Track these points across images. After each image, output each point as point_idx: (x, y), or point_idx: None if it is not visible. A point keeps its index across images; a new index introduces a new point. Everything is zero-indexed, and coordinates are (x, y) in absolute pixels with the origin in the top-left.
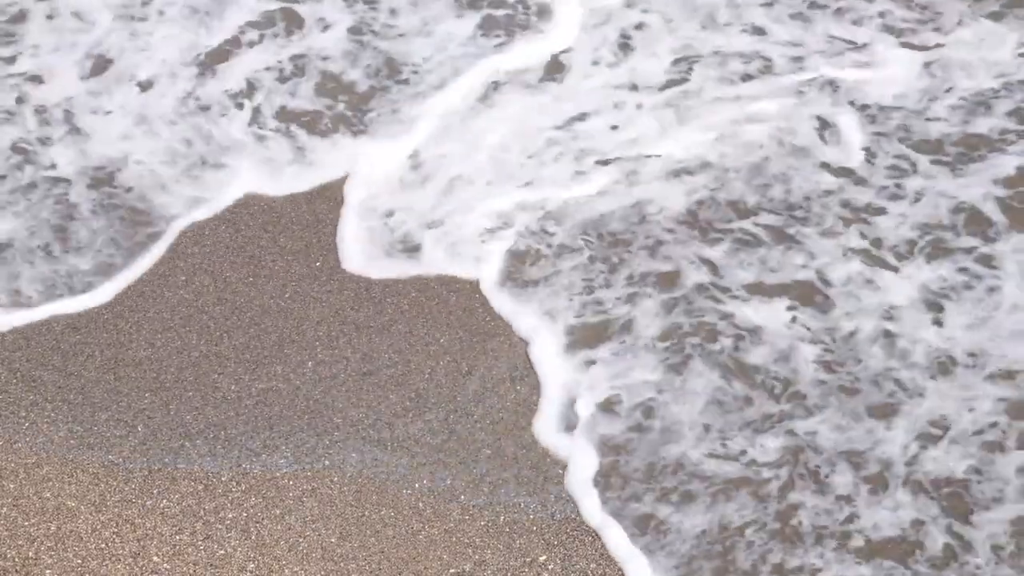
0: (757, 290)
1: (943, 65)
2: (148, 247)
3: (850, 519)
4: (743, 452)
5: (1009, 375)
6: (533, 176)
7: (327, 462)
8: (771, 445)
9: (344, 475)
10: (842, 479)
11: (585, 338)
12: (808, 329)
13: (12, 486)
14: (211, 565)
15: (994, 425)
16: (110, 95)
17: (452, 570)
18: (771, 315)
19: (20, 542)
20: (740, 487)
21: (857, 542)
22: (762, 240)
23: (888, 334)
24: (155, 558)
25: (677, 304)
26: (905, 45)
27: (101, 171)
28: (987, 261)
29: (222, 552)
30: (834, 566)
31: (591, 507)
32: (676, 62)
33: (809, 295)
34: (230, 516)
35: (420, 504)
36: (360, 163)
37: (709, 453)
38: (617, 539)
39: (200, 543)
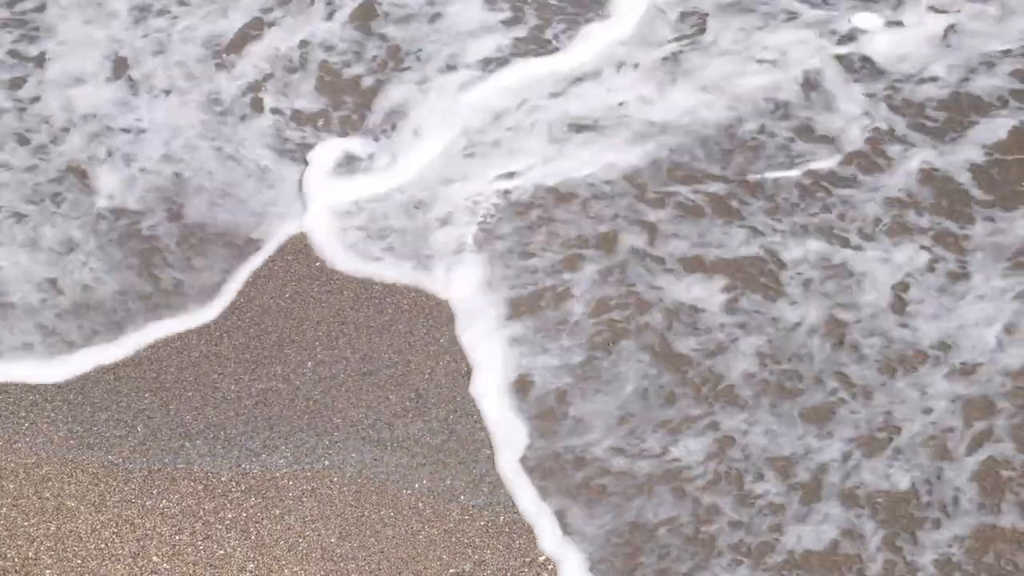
0: (698, 266)
1: (960, 29)
2: (233, 275)
3: (772, 530)
4: (663, 451)
5: (969, 371)
6: (509, 149)
7: (327, 462)
8: (693, 446)
9: (344, 475)
10: (768, 487)
11: (517, 311)
12: (749, 316)
13: (12, 486)
14: (211, 565)
15: (950, 430)
16: (135, 105)
17: (452, 570)
18: (710, 296)
19: (20, 542)
20: (653, 490)
21: (778, 556)
22: (711, 210)
23: (838, 324)
24: (155, 558)
25: (612, 273)
26: (930, 7)
27: (169, 201)
28: (958, 243)
29: (222, 552)
30: None
31: (525, 497)
32: (683, 17)
33: (755, 276)
34: (230, 516)
35: (420, 504)
36: (324, 154)
37: (624, 450)
38: (550, 533)
39: (200, 543)
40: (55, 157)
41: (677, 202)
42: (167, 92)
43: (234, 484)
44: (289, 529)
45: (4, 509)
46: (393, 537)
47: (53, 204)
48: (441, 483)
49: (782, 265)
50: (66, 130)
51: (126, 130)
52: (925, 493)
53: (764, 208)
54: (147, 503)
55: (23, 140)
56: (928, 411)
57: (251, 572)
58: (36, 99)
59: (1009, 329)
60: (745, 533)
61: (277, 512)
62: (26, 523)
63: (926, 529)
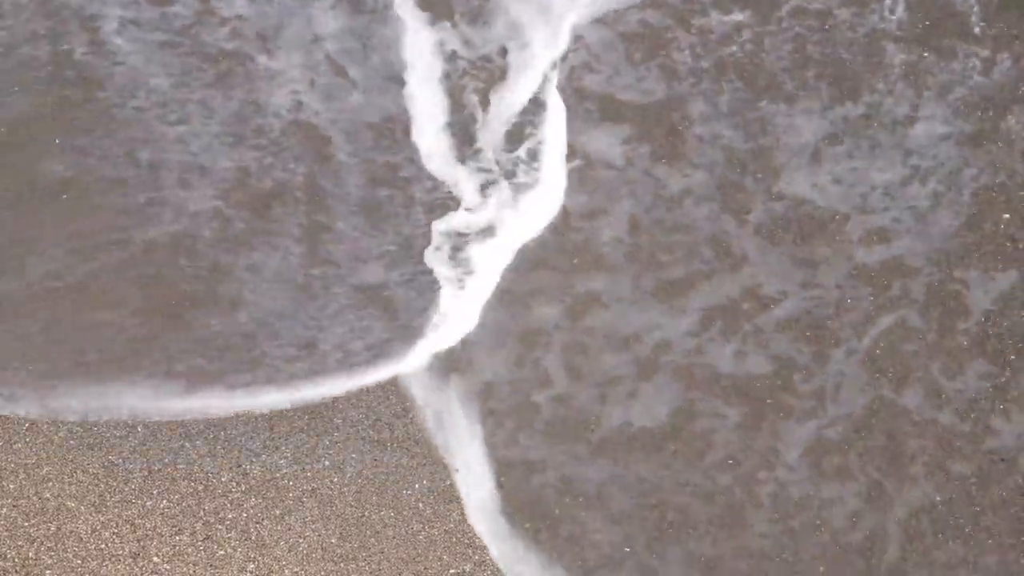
0: (614, 113)
1: None
2: None
3: (598, 403)
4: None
5: (883, 237)
6: None
7: (327, 462)
8: (547, 313)
9: (344, 475)
10: (610, 359)
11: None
12: (641, 175)
13: (12, 486)
14: (211, 565)
15: (845, 305)
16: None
17: (452, 570)
18: (610, 147)
19: (20, 542)
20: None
21: (601, 432)
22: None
23: (729, 187)
24: (155, 558)
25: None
26: None
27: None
28: (918, 82)
29: (222, 552)
30: (567, 462)
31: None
32: None
33: (654, 130)
34: (230, 516)
35: (420, 504)
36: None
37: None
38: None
39: (200, 543)
40: (358, 107)
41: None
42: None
43: (234, 484)
44: (289, 529)
45: (4, 509)
46: (393, 537)
47: (405, 184)
48: (441, 483)
49: (687, 121)
50: (335, 69)
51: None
52: (801, 380)
53: (694, 45)
54: (147, 503)
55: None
56: (812, 285)
57: (251, 572)
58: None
59: (948, 184)
60: (566, 408)
61: (277, 512)
62: (26, 523)
63: (794, 420)
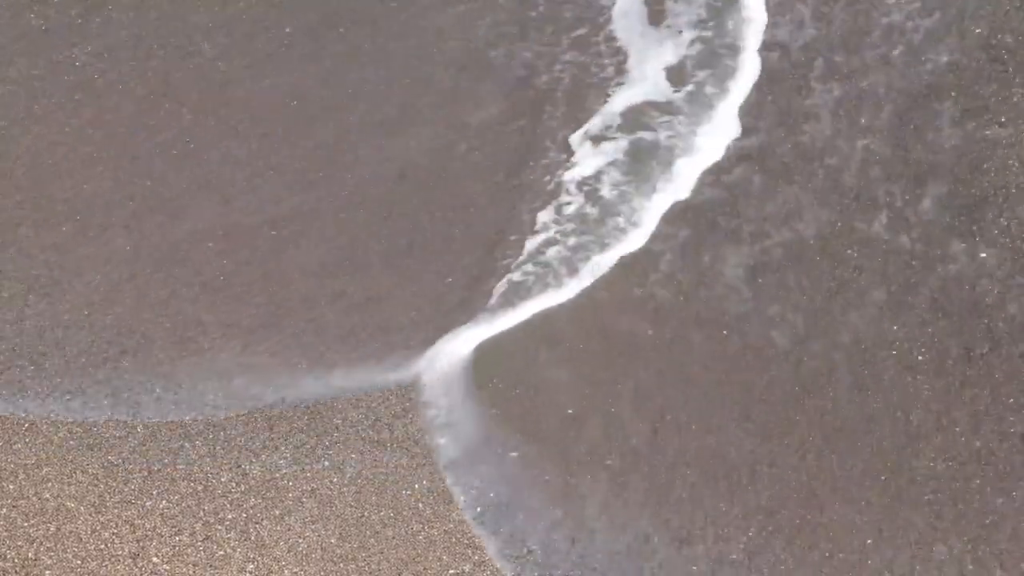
0: None
1: None
2: None
3: None
4: None
5: (858, 71)
6: None
7: (327, 462)
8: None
9: (344, 475)
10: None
11: None
12: None
13: (12, 487)
14: (210, 566)
15: (813, 139)
16: None
17: (452, 571)
18: None
19: (20, 543)
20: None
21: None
22: None
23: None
24: (154, 559)
25: None
26: None
27: None
28: None
29: (221, 553)
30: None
31: None
32: None
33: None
34: (229, 517)
35: (420, 505)
36: None
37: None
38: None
39: (199, 544)
40: None
41: None
42: None
43: (234, 484)
44: (289, 530)
45: (4, 510)
46: (393, 537)
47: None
48: (441, 483)
49: None
50: None
51: None
52: (751, 206)
53: None
54: (146, 504)
55: None
56: (778, 126)
57: (251, 573)
58: None
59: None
60: None
61: (277, 513)
62: (26, 523)
63: (742, 240)
